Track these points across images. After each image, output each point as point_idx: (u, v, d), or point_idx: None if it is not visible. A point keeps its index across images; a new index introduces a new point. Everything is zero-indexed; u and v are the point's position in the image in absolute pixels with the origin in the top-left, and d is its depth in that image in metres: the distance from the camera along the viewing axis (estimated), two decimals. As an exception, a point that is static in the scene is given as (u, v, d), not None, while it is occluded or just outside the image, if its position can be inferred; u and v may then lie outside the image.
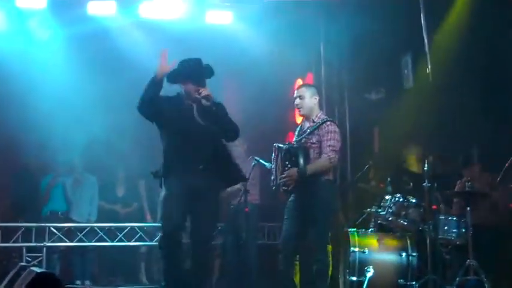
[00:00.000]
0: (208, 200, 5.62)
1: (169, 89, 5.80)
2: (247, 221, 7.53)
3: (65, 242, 8.55)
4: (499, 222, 6.73)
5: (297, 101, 6.21)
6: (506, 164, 6.38)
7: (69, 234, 8.63)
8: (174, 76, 5.70)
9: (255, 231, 8.30)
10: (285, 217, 6.12)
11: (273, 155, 6.17)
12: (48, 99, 9.07)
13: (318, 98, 6.27)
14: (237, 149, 7.68)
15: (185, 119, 5.64)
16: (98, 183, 9.36)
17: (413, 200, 6.74)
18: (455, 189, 7.21)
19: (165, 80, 5.61)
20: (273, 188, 6.16)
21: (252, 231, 8.03)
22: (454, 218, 6.70)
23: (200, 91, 5.52)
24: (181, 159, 5.58)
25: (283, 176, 5.87)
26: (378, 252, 6.53)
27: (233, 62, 9.20)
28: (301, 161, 5.80)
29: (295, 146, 6.00)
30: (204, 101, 5.52)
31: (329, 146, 5.88)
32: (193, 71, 5.70)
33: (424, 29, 7.53)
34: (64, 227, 8.63)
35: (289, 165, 5.84)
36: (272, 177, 6.16)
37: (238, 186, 7.05)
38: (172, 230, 5.48)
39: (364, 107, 8.91)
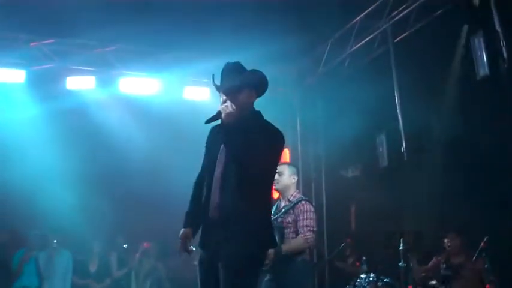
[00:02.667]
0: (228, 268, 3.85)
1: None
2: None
3: (36, 318, 8.36)
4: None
5: (275, 176, 6.22)
6: (482, 244, 6.38)
7: (41, 310, 8.44)
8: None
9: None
10: (261, 296, 6.05)
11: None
12: (24, 173, 9.02)
13: (296, 178, 6.26)
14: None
15: (213, 152, 4.10)
16: (72, 258, 9.20)
17: (387, 280, 6.70)
18: (429, 265, 7.18)
19: None
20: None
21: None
22: (430, 298, 6.67)
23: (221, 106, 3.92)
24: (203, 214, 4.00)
25: None
26: (352, 334, 6.46)
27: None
28: (278, 240, 5.74)
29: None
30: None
31: (306, 226, 5.85)
32: (222, 77, 4.05)
33: (398, 108, 7.64)
34: (35, 303, 8.44)
35: None
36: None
37: None
38: None
39: (340, 184, 8.95)
